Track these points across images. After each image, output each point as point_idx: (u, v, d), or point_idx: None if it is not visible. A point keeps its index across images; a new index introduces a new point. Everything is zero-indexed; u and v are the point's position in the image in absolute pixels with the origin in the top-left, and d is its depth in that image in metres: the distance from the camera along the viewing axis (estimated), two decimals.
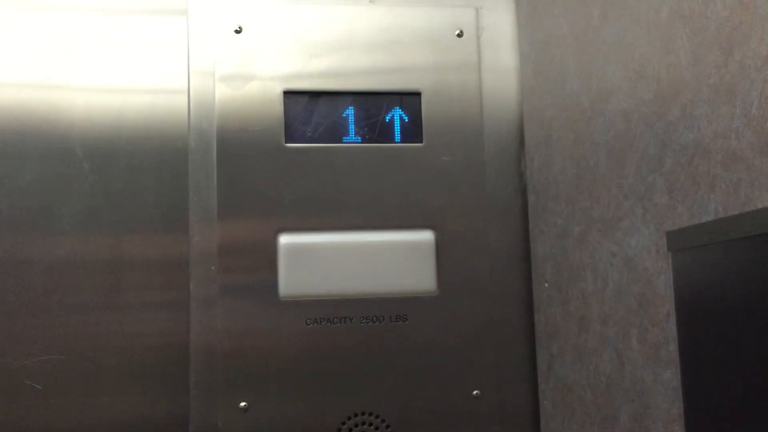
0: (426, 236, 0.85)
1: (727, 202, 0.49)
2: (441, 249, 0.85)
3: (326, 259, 0.83)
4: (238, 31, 0.84)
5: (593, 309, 0.69)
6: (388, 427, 0.82)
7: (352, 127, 0.86)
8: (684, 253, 0.53)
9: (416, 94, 0.87)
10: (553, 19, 0.78)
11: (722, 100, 0.49)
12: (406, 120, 0.87)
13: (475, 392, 0.84)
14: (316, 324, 0.82)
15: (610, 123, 0.65)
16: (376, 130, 0.86)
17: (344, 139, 0.85)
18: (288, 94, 0.84)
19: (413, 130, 0.86)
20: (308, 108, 0.85)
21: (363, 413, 0.82)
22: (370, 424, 0.82)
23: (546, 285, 0.81)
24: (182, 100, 0.83)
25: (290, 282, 0.82)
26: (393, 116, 0.87)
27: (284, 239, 0.82)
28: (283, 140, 0.84)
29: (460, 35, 0.88)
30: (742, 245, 0.46)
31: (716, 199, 0.50)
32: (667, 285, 0.56)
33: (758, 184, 0.46)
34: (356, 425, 0.82)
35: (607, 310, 0.66)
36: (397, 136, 0.86)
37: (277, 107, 0.84)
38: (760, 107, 0.45)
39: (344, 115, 0.86)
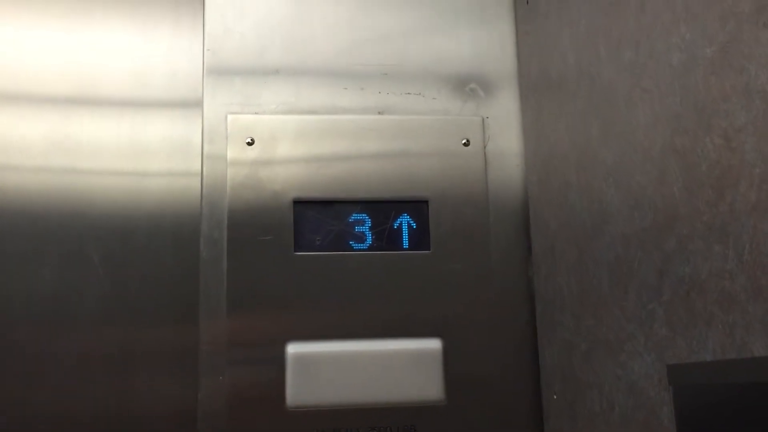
0: (434, 344, 0.84)
1: (724, 343, 0.49)
2: (449, 357, 0.84)
3: (334, 367, 0.83)
4: (250, 143, 0.87)
5: (601, 430, 0.68)
6: None
7: (360, 234, 0.87)
8: (685, 389, 0.52)
9: (424, 202, 0.88)
10: (556, 132, 0.80)
11: (715, 240, 0.50)
12: (414, 227, 0.88)
13: None
14: None
15: (610, 244, 0.66)
16: (384, 237, 0.87)
17: (353, 246, 0.86)
18: (298, 203, 0.86)
19: (421, 238, 0.87)
20: (317, 216, 0.87)
21: None
22: None
23: (555, 397, 0.80)
24: (195, 208, 0.85)
25: (298, 392, 0.82)
26: (401, 223, 0.88)
27: (292, 349, 0.82)
28: (293, 249, 0.85)
29: (466, 144, 0.90)
30: (740, 390, 0.46)
31: (714, 337, 0.50)
32: (670, 418, 0.55)
33: (753, 329, 0.45)
34: None
35: None
36: (405, 243, 0.87)
37: (287, 216, 0.86)
38: (752, 252, 0.46)
39: (353, 223, 0.87)
